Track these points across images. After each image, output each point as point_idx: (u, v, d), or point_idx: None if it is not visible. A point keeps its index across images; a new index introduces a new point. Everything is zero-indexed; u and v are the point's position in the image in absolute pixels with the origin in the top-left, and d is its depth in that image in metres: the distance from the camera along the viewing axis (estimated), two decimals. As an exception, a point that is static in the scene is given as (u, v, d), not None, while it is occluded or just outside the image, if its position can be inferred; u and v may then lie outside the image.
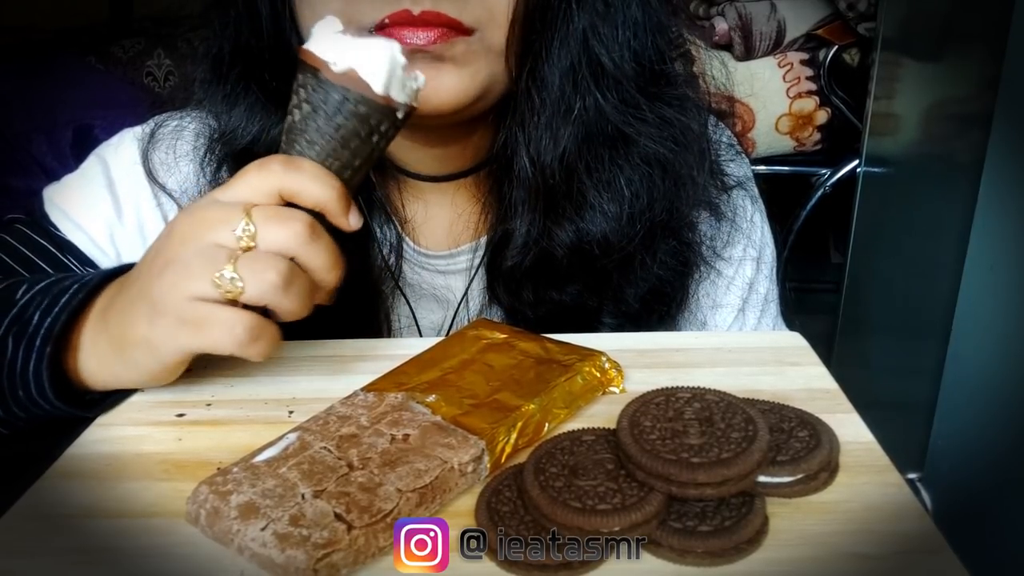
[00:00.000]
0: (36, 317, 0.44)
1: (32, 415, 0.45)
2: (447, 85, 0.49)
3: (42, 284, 0.47)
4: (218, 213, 0.41)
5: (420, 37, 0.47)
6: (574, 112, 0.52)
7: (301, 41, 0.53)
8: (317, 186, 0.41)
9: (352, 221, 0.43)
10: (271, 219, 0.40)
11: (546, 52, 0.51)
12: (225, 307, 0.40)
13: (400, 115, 0.42)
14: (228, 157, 0.56)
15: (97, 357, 0.44)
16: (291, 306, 0.41)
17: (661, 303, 0.59)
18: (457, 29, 0.48)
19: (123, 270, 0.46)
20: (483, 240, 0.60)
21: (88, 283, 0.45)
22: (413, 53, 0.48)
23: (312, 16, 0.51)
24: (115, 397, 0.45)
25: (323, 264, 0.41)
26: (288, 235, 0.40)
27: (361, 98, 0.41)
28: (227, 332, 0.40)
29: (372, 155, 0.43)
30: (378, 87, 0.41)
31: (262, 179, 0.41)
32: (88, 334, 0.44)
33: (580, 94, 0.52)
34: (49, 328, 0.44)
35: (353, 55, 0.41)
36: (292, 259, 0.41)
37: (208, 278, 0.39)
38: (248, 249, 0.40)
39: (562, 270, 0.56)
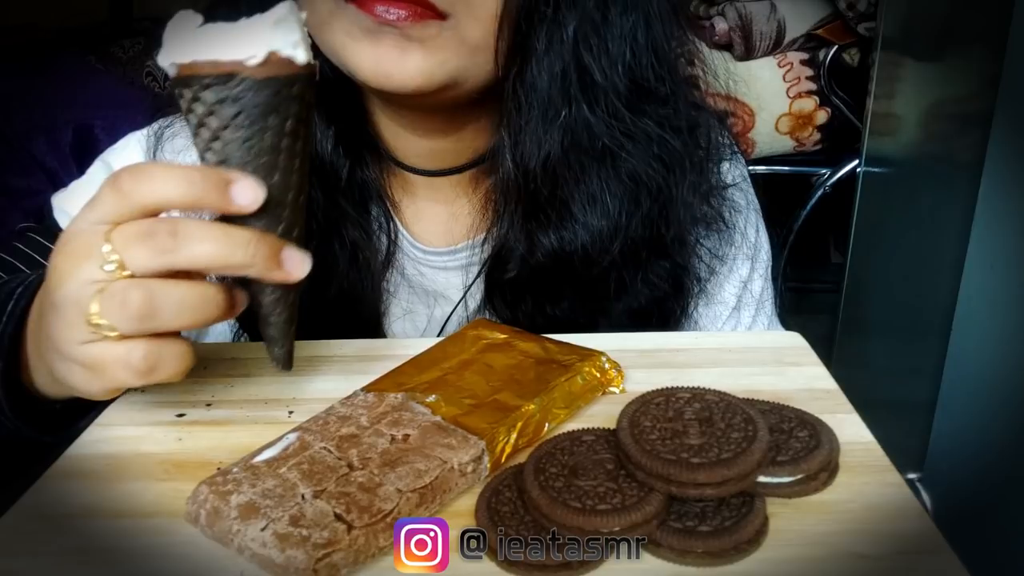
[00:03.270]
0: None
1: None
2: (412, 66, 0.48)
3: None
4: (81, 245, 0.37)
5: (392, 13, 0.46)
6: (560, 119, 0.51)
7: None
8: (169, 186, 0.36)
9: (240, 200, 0.37)
10: (132, 239, 0.36)
11: (533, 55, 0.50)
12: (114, 343, 0.37)
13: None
14: None
15: (42, 376, 0.43)
16: (177, 320, 0.37)
17: (651, 322, 0.58)
18: (431, 10, 0.47)
19: None
20: (480, 239, 0.60)
21: (29, 286, 0.44)
22: (381, 26, 0.47)
23: None
24: (81, 421, 0.45)
25: (208, 256, 0.37)
26: (152, 250, 0.36)
27: (289, 78, 0.36)
28: (125, 368, 0.37)
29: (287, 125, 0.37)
30: (302, 56, 0.36)
31: (116, 199, 0.37)
32: (31, 347, 0.43)
33: (567, 102, 0.51)
34: None
35: (262, 38, 0.35)
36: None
37: (82, 323, 0.36)
38: (126, 277, 0.36)
39: (555, 284, 0.55)
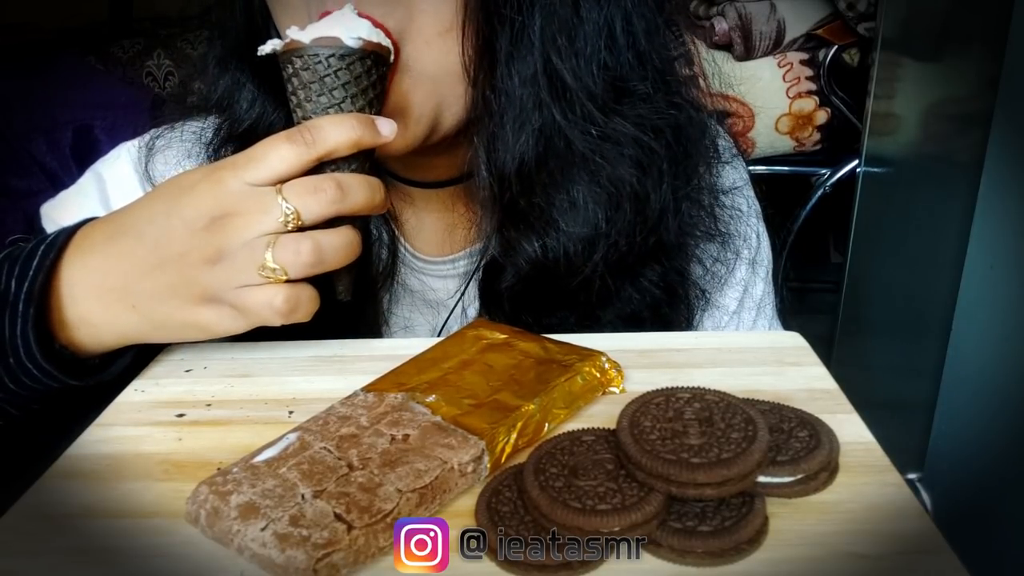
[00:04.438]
0: (13, 284, 0.45)
1: (25, 387, 0.45)
2: (395, 144, 0.49)
3: (2, 255, 0.47)
4: (254, 203, 0.42)
5: None
6: (532, 124, 0.50)
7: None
8: (340, 134, 0.43)
9: (385, 131, 0.45)
10: (305, 194, 0.42)
11: (500, 59, 0.49)
12: (261, 288, 0.42)
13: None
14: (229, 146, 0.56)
15: (111, 326, 0.45)
16: (336, 262, 0.43)
17: (647, 329, 0.57)
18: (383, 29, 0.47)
19: (83, 224, 0.47)
20: (478, 248, 0.60)
21: (55, 243, 0.46)
22: None
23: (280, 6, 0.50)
24: (112, 369, 0.47)
25: (365, 201, 0.44)
26: (324, 201, 0.42)
27: (370, 53, 0.45)
28: (268, 309, 0.42)
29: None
30: (384, 41, 0.47)
31: (296, 154, 0.42)
32: (84, 299, 0.45)
33: (538, 107, 0.50)
34: (28, 291, 0.44)
35: (353, 25, 0.45)
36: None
37: (254, 269, 0.41)
38: (298, 227, 0.42)
39: (546, 293, 0.55)
